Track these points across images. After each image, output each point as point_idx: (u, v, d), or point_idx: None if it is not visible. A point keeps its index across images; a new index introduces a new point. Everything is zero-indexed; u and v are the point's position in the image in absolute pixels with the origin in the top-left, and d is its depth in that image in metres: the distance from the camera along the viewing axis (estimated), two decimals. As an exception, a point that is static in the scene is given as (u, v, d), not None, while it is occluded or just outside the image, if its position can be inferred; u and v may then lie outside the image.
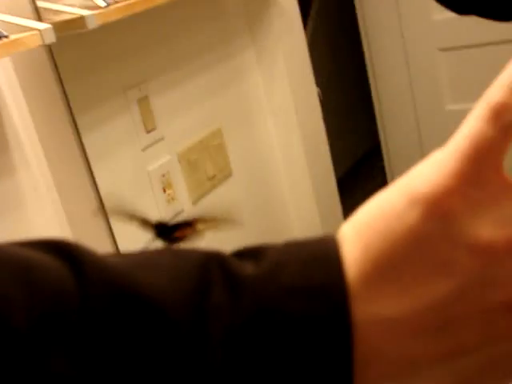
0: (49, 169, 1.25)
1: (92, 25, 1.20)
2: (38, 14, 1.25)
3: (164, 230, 0.31)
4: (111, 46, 1.48)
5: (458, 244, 0.28)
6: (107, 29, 1.32)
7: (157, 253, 0.33)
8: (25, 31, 1.10)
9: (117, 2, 1.29)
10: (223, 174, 1.79)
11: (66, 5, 1.23)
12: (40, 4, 1.25)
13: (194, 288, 0.30)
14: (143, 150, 1.56)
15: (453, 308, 0.28)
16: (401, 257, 0.28)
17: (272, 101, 1.95)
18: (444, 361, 0.29)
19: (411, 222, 0.28)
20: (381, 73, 2.56)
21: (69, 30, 1.20)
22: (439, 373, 0.29)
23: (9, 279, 0.29)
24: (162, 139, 1.60)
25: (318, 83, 2.08)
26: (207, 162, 1.74)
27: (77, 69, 1.39)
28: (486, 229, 0.28)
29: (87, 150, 1.37)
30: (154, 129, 1.58)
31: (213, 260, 0.31)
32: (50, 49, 1.29)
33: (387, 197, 0.30)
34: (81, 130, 1.36)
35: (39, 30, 1.10)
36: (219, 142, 1.78)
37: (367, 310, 0.29)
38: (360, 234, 0.30)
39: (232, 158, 1.82)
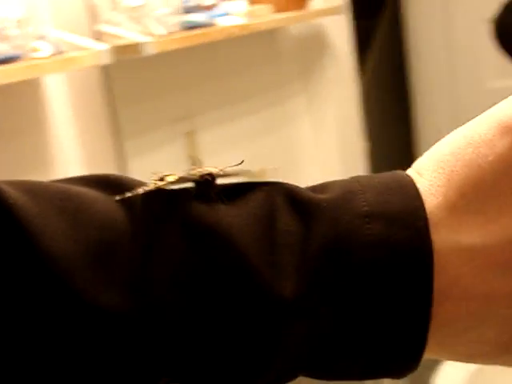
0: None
1: (148, 51, 1.21)
2: (97, 37, 1.27)
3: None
4: (166, 76, 1.49)
5: None
6: (163, 58, 1.33)
7: None
8: (82, 50, 1.11)
9: (175, 33, 1.30)
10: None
11: (125, 29, 1.25)
12: (99, 27, 1.27)
13: (259, 216, 0.28)
14: (185, 183, 1.55)
15: None
16: (489, 185, 0.28)
17: (318, 149, 1.94)
18: None
19: (502, 150, 0.28)
20: (427, 133, 2.54)
21: (125, 54, 1.21)
22: (509, 312, 0.28)
23: (51, 209, 0.27)
24: (205, 174, 1.60)
25: (367, 136, 2.07)
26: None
27: (129, 94, 1.40)
28: None
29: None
30: (197, 163, 1.58)
31: (276, 187, 0.29)
32: (105, 71, 1.31)
33: (474, 127, 0.29)
34: (126, 156, 1.37)
35: (96, 50, 1.11)
36: (262, 184, 1.77)
37: (449, 238, 0.27)
38: (442, 162, 0.29)
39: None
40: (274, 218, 0.28)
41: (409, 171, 0.30)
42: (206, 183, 0.29)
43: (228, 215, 0.28)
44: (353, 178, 0.30)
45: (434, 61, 2.51)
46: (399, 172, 0.30)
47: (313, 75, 1.90)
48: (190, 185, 0.30)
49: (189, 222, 0.27)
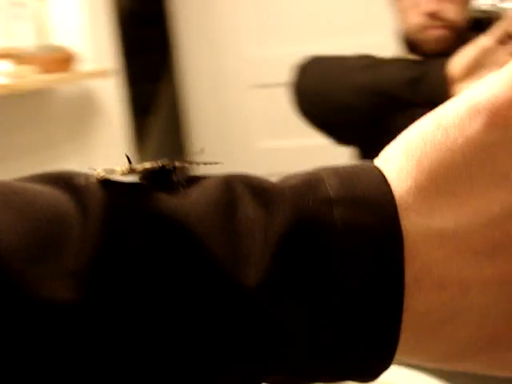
0: None
1: None
2: None
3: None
4: None
5: None
6: None
7: None
8: None
9: None
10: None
11: None
12: None
13: (219, 204, 0.26)
14: None
15: (510, 226, 0.26)
16: (459, 168, 0.27)
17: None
18: (496, 288, 0.26)
19: (472, 133, 0.27)
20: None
21: None
22: (485, 302, 0.27)
23: None
24: None
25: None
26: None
27: None
28: None
29: None
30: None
31: (234, 178, 0.28)
32: None
33: (442, 111, 0.28)
34: None
35: None
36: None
37: (419, 223, 0.26)
38: (410, 147, 0.28)
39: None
40: (235, 205, 0.26)
41: (375, 161, 0.29)
42: (162, 173, 0.28)
43: (185, 204, 0.26)
44: (315, 168, 0.29)
45: (209, 124, 2.64)
46: (364, 162, 0.29)
47: (84, 137, 1.91)
48: (137, 178, 0.28)
49: (144, 212, 0.26)
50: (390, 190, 0.26)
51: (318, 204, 0.26)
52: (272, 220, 0.26)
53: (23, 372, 0.24)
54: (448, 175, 0.27)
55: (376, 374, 0.27)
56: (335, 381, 0.27)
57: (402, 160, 0.27)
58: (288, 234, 0.25)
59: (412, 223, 0.26)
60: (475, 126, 0.27)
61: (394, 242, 0.25)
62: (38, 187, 0.26)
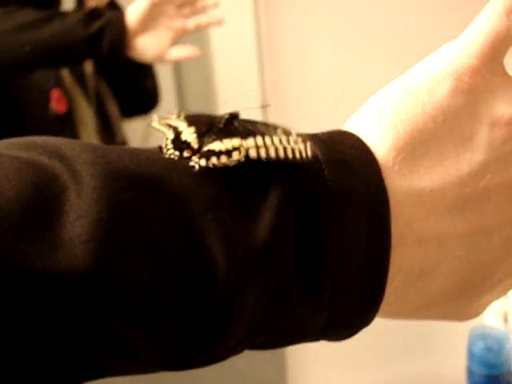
0: None
1: None
2: None
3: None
4: None
5: (482, 120, 0.29)
6: None
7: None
8: None
9: None
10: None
11: None
12: None
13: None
14: None
15: (478, 183, 0.29)
16: (431, 131, 0.29)
17: None
18: (466, 240, 0.29)
19: (440, 98, 0.29)
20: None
21: None
22: (458, 254, 0.29)
23: None
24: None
25: None
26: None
27: None
28: (504, 106, 0.30)
29: None
30: None
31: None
32: None
33: (409, 76, 0.30)
34: None
35: None
36: None
37: (400, 184, 0.28)
38: (383, 112, 0.29)
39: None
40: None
41: (348, 127, 0.30)
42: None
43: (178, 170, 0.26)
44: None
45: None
46: (339, 129, 0.30)
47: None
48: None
49: (139, 179, 0.25)
50: (372, 154, 0.28)
51: (311, 165, 0.27)
52: (267, 183, 0.26)
53: (20, 345, 0.23)
54: (422, 138, 0.28)
55: (361, 326, 0.29)
56: (321, 335, 0.28)
57: (377, 124, 0.29)
58: (285, 198, 0.26)
59: (395, 184, 0.28)
60: (442, 91, 0.29)
61: (381, 203, 0.27)
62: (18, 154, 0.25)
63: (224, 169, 0.26)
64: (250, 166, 0.26)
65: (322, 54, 0.93)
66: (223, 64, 1.04)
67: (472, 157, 0.29)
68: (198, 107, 1.14)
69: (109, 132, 1.03)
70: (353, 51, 1.01)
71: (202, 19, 0.92)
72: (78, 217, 0.23)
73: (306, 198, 0.26)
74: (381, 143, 0.28)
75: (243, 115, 0.29)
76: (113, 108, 1.03)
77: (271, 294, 0.26)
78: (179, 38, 0.92)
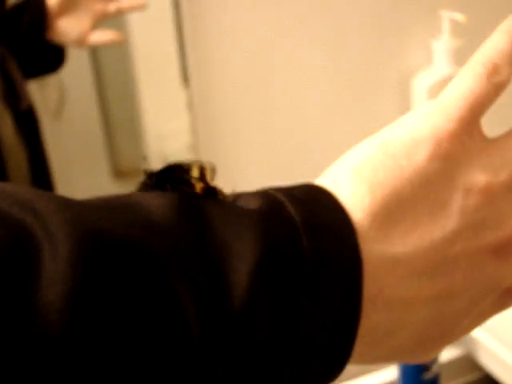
0: None
1: None
2: None
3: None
4: None
5: (457, 186, 0.29)
6: None
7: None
8: None
9: None
10: None
11: None
12: None
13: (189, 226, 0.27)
14: None
15: (448, 249, 0.29)
16: (407, 196, 0.29)
17: None
18: (432, 303, 0.29)
19: (418, 162, 0.29)
20: None
21: None
22: (422, 316, 0.30)
23: None
24: None
25: None
26: None
27: None
28: (479, 174, 0.30)
29: None
30: None
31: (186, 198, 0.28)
32: None
33: (388, 138, 0.30)
34: None
35: None
36: None
37: (375, 249, 0.28)
38: (362, 174, 0.29)
39: None
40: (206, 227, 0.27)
41: (323, 182, 0.30)
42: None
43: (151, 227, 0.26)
44: (267, 188, 0.30)
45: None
46: (314, 184, 0.30)
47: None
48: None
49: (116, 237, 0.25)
50: (349, 219, 0.28)
51: (288, 231, 0.27)
52: (244, 247, 0.26)
53: None
54: (398, 203, 0.29)
55: (334, 376, 0.30)
56: None
57: (354, 185, 0.29)
58: (262, 263, 0.26)
59: (369, 249, 0.28)
60: (420, 156, 0.29)
61: (356, 270, 0.28)
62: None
63: (202, 230, 0.27)
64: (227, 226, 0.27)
65: (245, 32, 0.94)
66: (141, 45, 1.03)
67: (445, 223, 0.29)
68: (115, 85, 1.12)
69: (14, 96, 1.01)
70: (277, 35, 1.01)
71: (123, 3, 0.91)
72: (53, 282, 0.23)
73: (282, 264, 0.27)
74: (357, 206, 0.29)
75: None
76: (15, 71, 1.01)
77: (244, 357, 0.26)
78: (100, 21, 0.91)
